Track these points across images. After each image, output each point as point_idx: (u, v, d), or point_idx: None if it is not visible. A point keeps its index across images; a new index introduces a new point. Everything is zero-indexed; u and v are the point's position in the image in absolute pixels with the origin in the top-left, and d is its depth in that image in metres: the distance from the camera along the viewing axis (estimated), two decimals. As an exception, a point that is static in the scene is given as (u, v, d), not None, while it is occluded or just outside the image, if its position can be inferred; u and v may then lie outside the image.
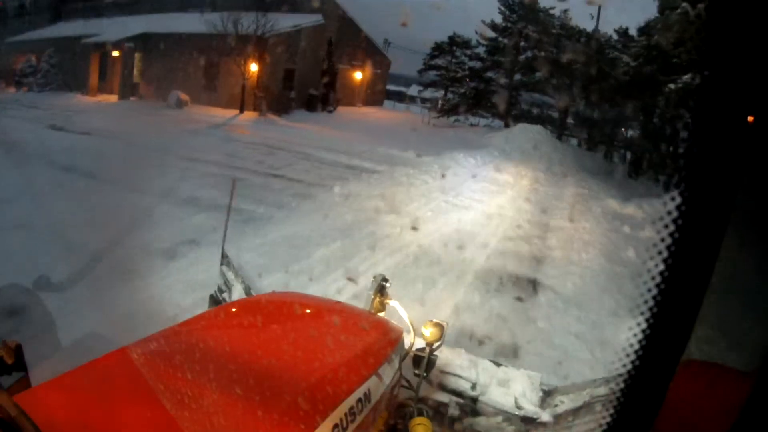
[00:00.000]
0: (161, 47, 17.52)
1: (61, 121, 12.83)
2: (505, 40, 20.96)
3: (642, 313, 0.57)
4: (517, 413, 2.20)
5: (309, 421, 1.04)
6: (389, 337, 1.62)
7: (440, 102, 22.17)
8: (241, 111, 16.83)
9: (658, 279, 0.55)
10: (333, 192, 7.68)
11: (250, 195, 7.03)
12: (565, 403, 2.34)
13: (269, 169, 9.47)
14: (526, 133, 16.17)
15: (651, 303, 0.57)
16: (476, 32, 22.00)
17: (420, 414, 1.62)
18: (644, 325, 0.58)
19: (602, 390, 2.25)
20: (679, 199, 0.54)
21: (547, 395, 2.31)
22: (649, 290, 0.56)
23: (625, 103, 15.67)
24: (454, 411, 2.19)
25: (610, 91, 16.31)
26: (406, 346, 1.79)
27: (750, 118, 0.49)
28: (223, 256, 2.16)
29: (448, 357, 2.24)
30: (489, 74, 21.95)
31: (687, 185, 0.54)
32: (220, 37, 16.23)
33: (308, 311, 1.63)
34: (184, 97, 16.79)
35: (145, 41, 18.07)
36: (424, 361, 1.77)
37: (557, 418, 2.25)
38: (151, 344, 1.16)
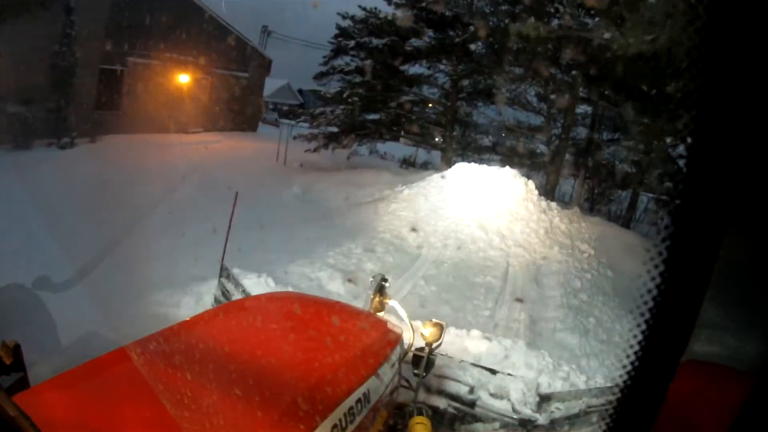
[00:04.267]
0: None
1: None
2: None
3: (642, 314, 0.57)
4: (514, 417, 2.20)
5: (308, 421, 1.03)
6: (389, 338, 1.62)
7: (315, 121, 11.52)
8: None
9: (659, 279, 0.56)
10: None
11: None
12: (561, 410, 2.34)
13: None
14: (471, 186, 7.36)
15: (651, 303, 0.57)
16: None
17: (419, 413, 1.62)
18: (644, 326, 0.58)
19: (598, 399, 2.26)
20: (679, 200, 0.54)
21: (543, 401, 2.31)
22: (650, 290, 0.56)
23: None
24: (452, 416, 2.19)
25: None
26: (405, 346, 1.79)
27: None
28: (222, 268, 2.24)
29: (446, 362, 2.25)
30: (406, 66, 11.44)
31: (687, 186, 0.54)
32: None
33: (308, 311, 1.63)
34: None
35: None
36: (423, 361, 1.77)
37: (553, 423, 2.25)
38: (151, 344, 1.16)
